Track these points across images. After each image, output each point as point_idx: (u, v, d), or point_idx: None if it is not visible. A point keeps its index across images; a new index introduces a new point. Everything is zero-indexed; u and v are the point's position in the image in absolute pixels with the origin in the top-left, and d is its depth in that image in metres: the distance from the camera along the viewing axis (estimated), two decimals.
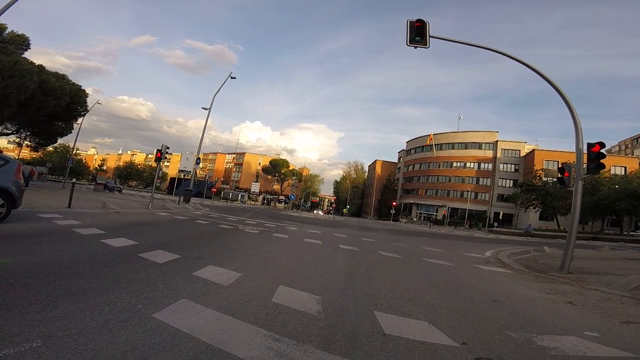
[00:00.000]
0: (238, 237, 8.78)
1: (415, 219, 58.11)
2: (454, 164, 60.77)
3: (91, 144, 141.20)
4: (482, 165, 58.03)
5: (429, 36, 9.40)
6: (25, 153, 52.87)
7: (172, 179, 56.89)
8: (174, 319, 2.49)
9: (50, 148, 47.51)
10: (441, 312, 3.53)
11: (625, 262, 9.98)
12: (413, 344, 2.56)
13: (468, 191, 53.72)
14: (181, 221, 11.04)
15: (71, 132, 30.70)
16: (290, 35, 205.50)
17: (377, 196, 76.64)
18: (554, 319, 3.66)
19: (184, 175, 41.47)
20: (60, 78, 25.30)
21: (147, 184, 75.95)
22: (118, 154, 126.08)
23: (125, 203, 15.87)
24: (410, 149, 72.13)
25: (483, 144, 58.43)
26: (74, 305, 2.50)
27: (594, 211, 30.24)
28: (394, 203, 58.57)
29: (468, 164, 59.26)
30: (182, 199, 22.98)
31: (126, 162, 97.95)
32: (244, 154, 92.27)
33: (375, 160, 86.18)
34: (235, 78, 26.33)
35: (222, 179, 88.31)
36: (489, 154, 57.33)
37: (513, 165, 55.23)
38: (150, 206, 15.02)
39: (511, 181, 53.53)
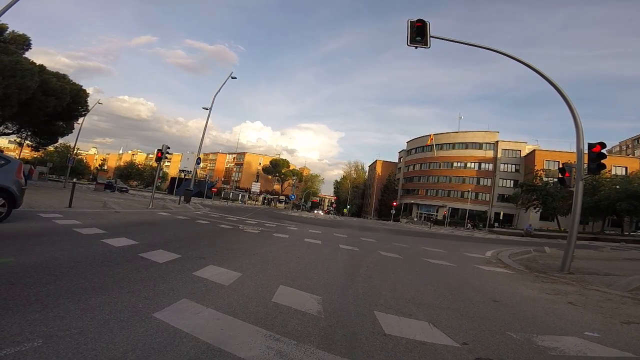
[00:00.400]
0: (238, 237, 8.79)
1: (415, 219, 58.08)
2: (455, 164, 60.73)
3: (92, 144, 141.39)
4: (482, 165, 57.98)
5: (430, 36, 9.40)
6: (26, 153, 52.94)
7: (173, 179, 56.96)
8: (174, 318, 2.49)
9: (51, 148, 47.60)
10: (441, 312, 3.52)
11: (626, 263, 9.97)
12: (413, 344, 2.56)
13: (468, 191, 53.73)
14: (182, 221, 11.04)
15: (72, 132, 30.79)
16: (290, 35, 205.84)
17: (378, 196, 76.62)
18: (555, 319, 3.65)
19: (185, 175, 41.57)
20: (61, 78, 25.34)
21: (148, 184, 76.00)
22: (119, 154, 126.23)
23: (125, 203, 15.88)
24: (411, 149, 72.09)
25: (483, 144, 58.39)
26: (74, 305, 2.51)
27: (595, 211, 30.20)
28: (395, 203, 58.58)
29: (468, 164, 59.23)
30: (182, 198, 22.99)
31: (127, 162, 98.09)
32: (244, 154, 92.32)
33: (376, 160, 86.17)
34: (235, 78, 26.33)
35: (222, 179, 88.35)
36: (490, 154, 57.29)
37: (514, 166, 55.19)
38: (150, 206, 15.03)
39: (512, 181, 53.48)
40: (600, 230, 34.22)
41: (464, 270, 6.97)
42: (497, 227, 43.77)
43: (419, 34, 9.36)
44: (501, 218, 45.54)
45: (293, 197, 55.31)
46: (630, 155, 57.73)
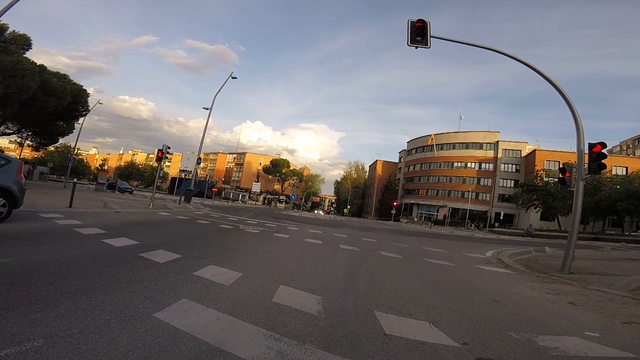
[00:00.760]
0: (239, 237, 8.79)
1: (416, 219, 58.06)
2: (455, 164, 60.69)
3: (92, 144, 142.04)
4: (483, 165, 57.93)
5: (430, 36, 9.40)
6: (27, 153, 53.02)
7: (173, 179, 56.92)
8: (174, 318, 2.49)
9: (51, 148, 47.66)
10: (442, 312, 3.52)
11: (627, 263, 9.96)
12: (414, 344, 2.56)
13: (469, 191, 53.69)
14: (182, 221, 11.05)
15: (72, 132, 30.85)
16: (291, 35, 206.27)
17: (378, 196, 76.58)
18: (555, 319, 3.65)
19: (185, 175, 41.54)
20: (62, 78, 25.37)
21: (148, 184, 76.04)
22: (119, 154, 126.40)
23: (126, 203, 15.89)
24: (411, 149, 72.05)
25: (484, 144, 58.33)
26: (75, 305, 2.51)
27: (595, 211, 30.15)
28: (395, 203, 58.55)
29: (469, 164, 59.18)
30: (183, 198, 23.01)
31: (127, 162, 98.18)
32: (244, 153, 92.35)
33: (376, 160, 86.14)
34: (236, 78, 26.27)
35: (223, 179, 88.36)
36: (490, 154, 57.25)
37: (514, 166, 55.14)
38: (151, 206, 15.04)
39: (512, 181, 53.51)
40: (601, 230, 34.18)
41: (464, 270, 6.97)
42: (497, 227, 43.75)
43: (419, 34, 9.36)
44: (502, 218, 45.52)
45: (293, 197, 55.28)
46: (630, 155, 57.71)
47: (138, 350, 1.94)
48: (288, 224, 16.20)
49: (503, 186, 54.78)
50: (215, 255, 5.33)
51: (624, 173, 41.50)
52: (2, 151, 32.72)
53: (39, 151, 37.67)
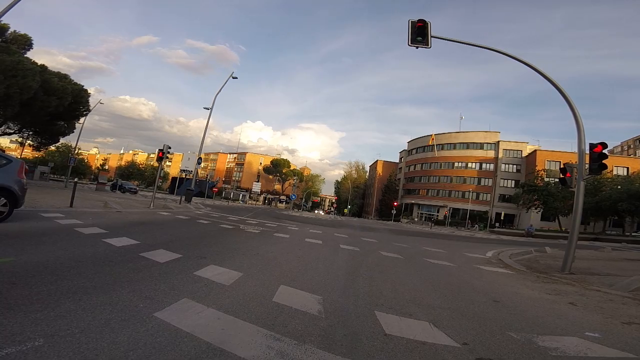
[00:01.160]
0: (239, 236, 8.79)
1: (416, 219, 58.02)
2: (456, 164, 60.63)
3: (93, 144, 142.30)
4: (483, 165, 57.88)
5: (431, 36, 9.40)
6: (28, 152, 53.10)
7: (174, 179, 56.99)
8: (175, 318, 2.49)
9: (52, 147, 47.68)
10: (442, 312, 3.52)
11: (627, 263, 9.95)
12: (414, 344, 2.56)
13: (470, 191, 53.64)
14: (183, 221, 11.06)
15: (73, 132, 30.84)
16: (291, 35, 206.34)
17: (379, 196, 76.54)
18: (555, 319, 3.65)
19: (186, 175, 41.55)
20: (63, 78, 25.38)
21: (149, 184, 76.12)
22: (120, 154, 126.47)
23: (126, 202, 15.91)
24: (412, 149, 71.99)
25: (485, 144, 58.27)
26: (75, 305, 2.51)
27: (596, 212, 30.12)
28: (395, 203, 58.55)
29: (469, 164, 59.13)
30: (183, 198, 23.03)
31: (128, 162, 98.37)
32: (245, 153, 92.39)
33: (377, 160, 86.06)
34: (236, 78, 26.28)
35: (223, 179, 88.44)
36: (491, 154, 57.19)
37: (515, 166, 55.06)
38: (151, 206, 15.05)
39: (513, 181, 53.40)
40: (602, 230, 34.11)
41: (464, 271, 6.97)
42: (498, 227, 43.71)
43: (420, 34, 9.36)
44: (502, 218, 45.47)
45: (294, 197, 55.32)
46: (631, 156, 57.52)
47: (138, 350, 1.95)
48: (288, 224, 16.20)
49: (503, 186, 54.70)
50: (215, 255, 5.33)
51: (625, 173, 41.40)
52: (3, 151, 32.78)
53: (39, 151, 37.71)
